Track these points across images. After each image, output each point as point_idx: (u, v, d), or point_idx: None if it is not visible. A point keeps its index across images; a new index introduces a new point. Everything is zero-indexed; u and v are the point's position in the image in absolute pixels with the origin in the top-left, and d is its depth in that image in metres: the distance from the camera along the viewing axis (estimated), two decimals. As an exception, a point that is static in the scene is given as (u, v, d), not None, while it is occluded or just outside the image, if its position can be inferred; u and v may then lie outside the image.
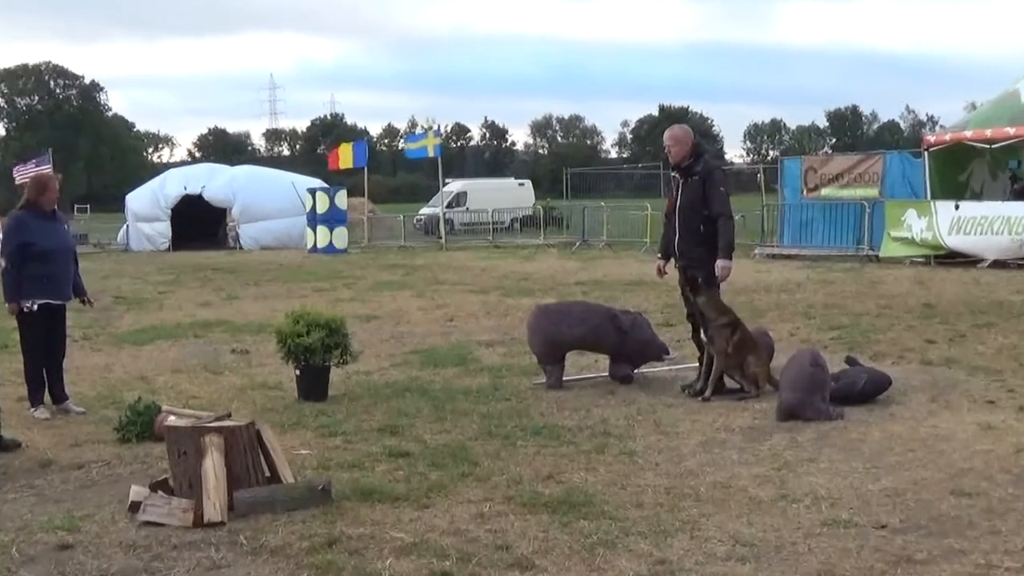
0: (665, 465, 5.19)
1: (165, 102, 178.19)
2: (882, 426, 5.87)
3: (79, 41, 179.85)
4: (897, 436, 5.64)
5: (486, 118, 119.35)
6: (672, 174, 7.08)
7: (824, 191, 19.83)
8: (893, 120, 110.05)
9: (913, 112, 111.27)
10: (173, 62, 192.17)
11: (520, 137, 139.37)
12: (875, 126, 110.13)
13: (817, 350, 6.85)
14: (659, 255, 7.31)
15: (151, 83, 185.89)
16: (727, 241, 6.78)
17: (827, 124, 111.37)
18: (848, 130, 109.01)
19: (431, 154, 28.10)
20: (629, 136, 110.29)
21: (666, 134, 7.08)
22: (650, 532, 4.15)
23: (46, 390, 6.72)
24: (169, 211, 27.70)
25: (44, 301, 6.58)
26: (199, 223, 28.10)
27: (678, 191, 6.92)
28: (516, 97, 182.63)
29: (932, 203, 17.12)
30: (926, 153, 18.10)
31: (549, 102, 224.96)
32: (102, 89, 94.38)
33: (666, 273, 7.21)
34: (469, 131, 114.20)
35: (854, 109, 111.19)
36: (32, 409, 6.63)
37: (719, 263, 6.75)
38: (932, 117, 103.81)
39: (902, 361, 7.96)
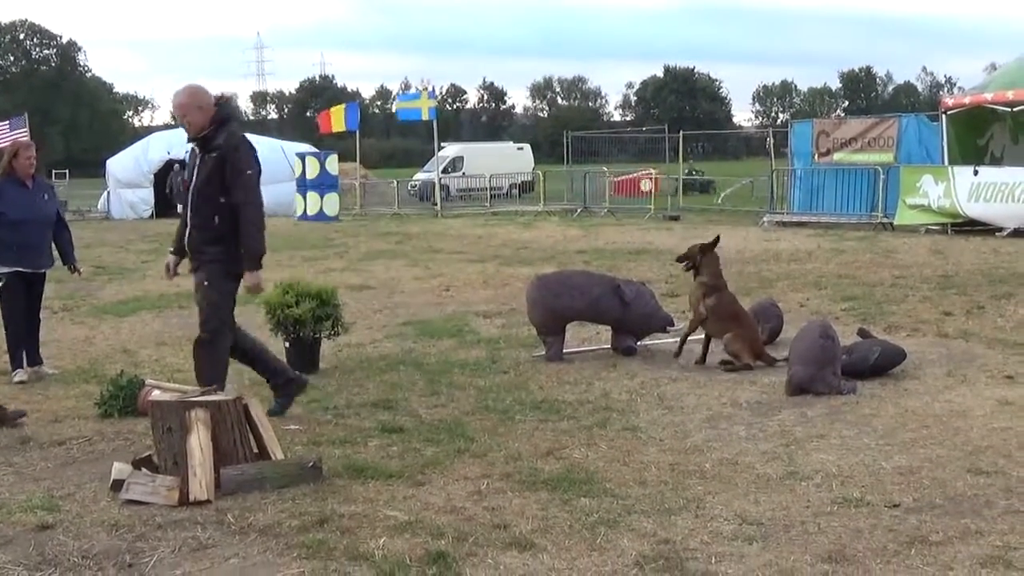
0: (669, 441, 5.12)
1: (133, 62, 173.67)
2: (896, 401, 5.79)
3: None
4: (911, 412, 5.56)
5: (484, 79, 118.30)
6: (190, 146, 5.50)
7: (836, 156, 19.62)
8: (909, 82, 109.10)
9: (930, 73, 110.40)
10: (136, 19, 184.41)
11: (519, 100, 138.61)
12: (890, 88, 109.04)
13: (828, 322, 6.75)
14: (171, 249, 5.71)
15: (115, 42, 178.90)
16: (253, 245, 5.31)
17: (840, 86, 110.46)
18: (862, 92, 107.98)
19: (425, 117, 27.07)
20: (633, 98, 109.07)
21: (174, 99, 5.39)
22: (653, 510, 4.08)
23: (24, 355, 6.80)
24: (152, 177, 27.12)
25: (16, 269, 6.64)
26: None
27: (193, 169, 5.37)
28: (515, 58, 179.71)
29: (950, 168, 16.87)
30: (944, 116, 17.82)
31: (550, 63, 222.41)
32: (80, 49, 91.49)
33: (177, 274, 5.75)
34: (465, 93, 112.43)
35: (868, 70, 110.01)
36: (12, 373, 6.73)
37: (247, 277, 5.36)
38: (950, 78, 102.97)
39: (917, 333, 7.86)
